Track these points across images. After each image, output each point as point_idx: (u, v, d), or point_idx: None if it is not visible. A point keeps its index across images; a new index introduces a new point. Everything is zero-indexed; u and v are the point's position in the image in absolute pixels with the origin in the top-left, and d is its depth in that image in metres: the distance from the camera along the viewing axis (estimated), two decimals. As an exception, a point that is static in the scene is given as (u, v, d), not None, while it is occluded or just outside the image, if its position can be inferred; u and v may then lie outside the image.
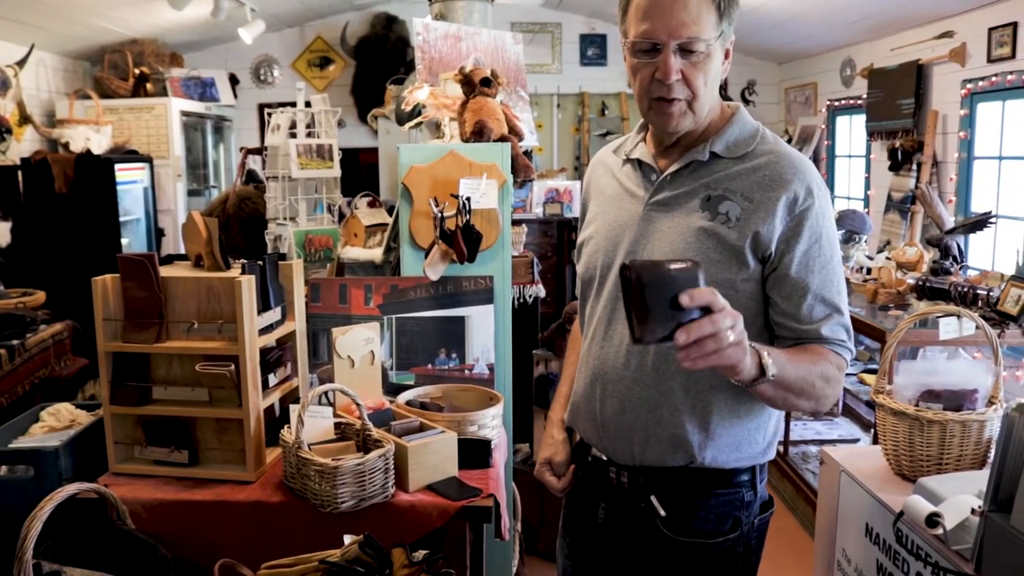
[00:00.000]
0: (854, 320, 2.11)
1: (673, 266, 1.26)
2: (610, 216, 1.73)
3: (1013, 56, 4.45)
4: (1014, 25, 4.42)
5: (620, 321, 1.64)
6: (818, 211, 1.58)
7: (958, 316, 2.47)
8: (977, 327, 2.10)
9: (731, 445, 1.64)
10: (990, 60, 4.66)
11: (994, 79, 4.63)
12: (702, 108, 1.59)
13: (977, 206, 4.98)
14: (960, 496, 1.72)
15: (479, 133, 2.61)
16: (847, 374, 1.71)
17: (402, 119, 3.13)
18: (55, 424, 2.26)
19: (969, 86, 4.88)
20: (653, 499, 1.66)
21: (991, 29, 4.62)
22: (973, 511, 1.63)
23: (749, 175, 1.59)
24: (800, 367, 1.51)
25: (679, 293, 1.23)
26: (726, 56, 1.60)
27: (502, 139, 2.65)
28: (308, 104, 3.57)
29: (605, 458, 1.73)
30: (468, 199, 2.49)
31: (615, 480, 1.71)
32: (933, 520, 1.70)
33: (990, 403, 1.99)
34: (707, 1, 1.51)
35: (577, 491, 1.83)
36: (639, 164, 1.71)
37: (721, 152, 1.62)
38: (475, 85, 2.68)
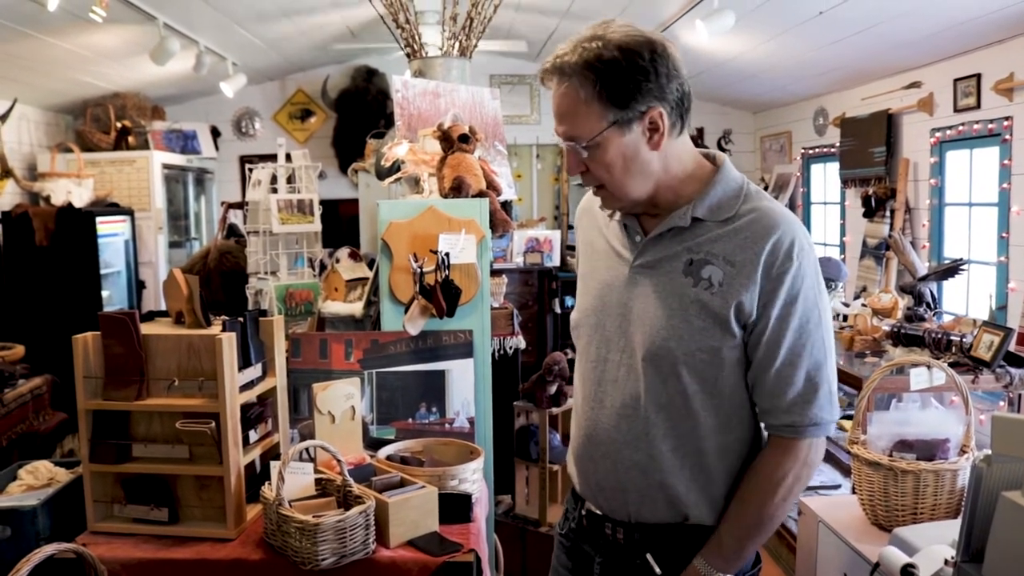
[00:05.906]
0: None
1: None
2: (599, 275, 1.73)
3: (978, 106, 4.57)
4: (978, 76, 4.55)
5: (609, 383, 1.66)
6: (796, 274, 1.54)
7: (928, 366, 2.51)
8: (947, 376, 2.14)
9: (725, 501, 1.64)
10: (956, 110, 4.78)
11: (961, 128, 4.74)
12: (625, 193, 1.58)
13: (949, 251, 5.07)
14: (935, 546, 1.74)
15: (458, 189, 2.65)
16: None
17: (382, 174, 3.17)
18: (33, 482, 2.25)
19: (938, 135, 5.00)
20: (649, 557, 1.66)
21: (956, 80, 4.75)
22: (947, 562, 1.65)
23: (732, 237, 1.56)
24: (749, 527, 1.59)
25: None
26: (654, 130, 1.52)
27: (480, 194, 2.69)
28: (289, 158, 3.60)
29: (601, 513, 1.73)
30: (447, 254, 2.53)
31: (611, 536, 1.71)
32: (908, 571, 1.72)
33: (962, 452, 2.02)
34: (582, 97, 1.49)
35: (572, 545, 1.83)
36: (624, 225, 1.69)
37: (703, 216, 1.59)
38: (453, 141, 2.73)
